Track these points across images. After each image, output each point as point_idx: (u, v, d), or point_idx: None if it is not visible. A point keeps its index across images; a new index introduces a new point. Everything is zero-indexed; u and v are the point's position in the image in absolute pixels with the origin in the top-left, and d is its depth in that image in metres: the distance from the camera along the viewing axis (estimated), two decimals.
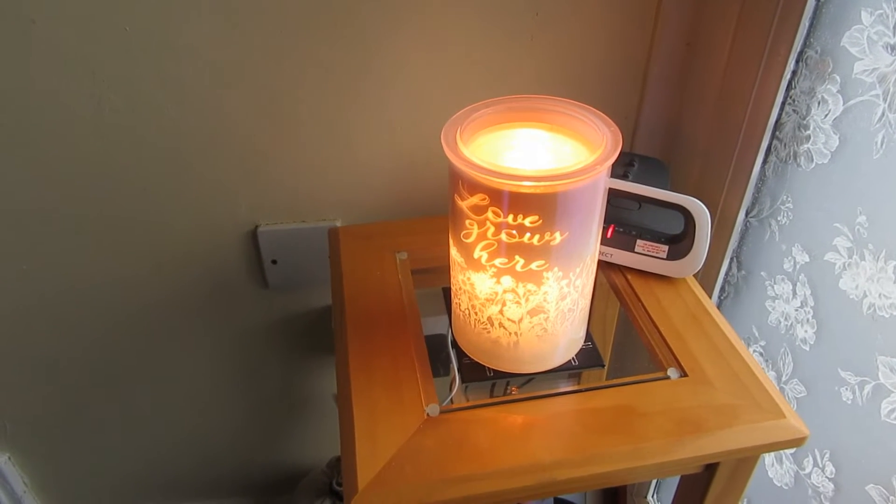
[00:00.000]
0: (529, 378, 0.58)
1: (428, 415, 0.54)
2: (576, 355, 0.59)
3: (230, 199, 0.79)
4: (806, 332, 0.67)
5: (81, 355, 0.89)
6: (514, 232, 0.48)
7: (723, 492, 0.59)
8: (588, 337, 0.60)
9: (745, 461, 0.56)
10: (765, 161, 0.70)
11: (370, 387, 0.56)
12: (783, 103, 0.66)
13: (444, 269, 0.69)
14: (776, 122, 0.68)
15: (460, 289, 0.55)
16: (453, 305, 0.59)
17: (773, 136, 0.69)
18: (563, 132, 0.53)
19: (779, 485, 0.75)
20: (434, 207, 0.83)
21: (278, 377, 0.99)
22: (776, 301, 0.72)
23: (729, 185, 0.74)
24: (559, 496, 0.96)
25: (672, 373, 0.57)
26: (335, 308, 0.66)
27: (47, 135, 0.71)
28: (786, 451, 0.72)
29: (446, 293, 0.67)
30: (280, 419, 1.05)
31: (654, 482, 1.03)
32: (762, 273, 0.73)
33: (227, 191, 0.78)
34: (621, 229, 0.67)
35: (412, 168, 0.80)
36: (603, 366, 0.58)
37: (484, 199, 0.47)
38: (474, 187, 0.47)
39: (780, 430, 0.53)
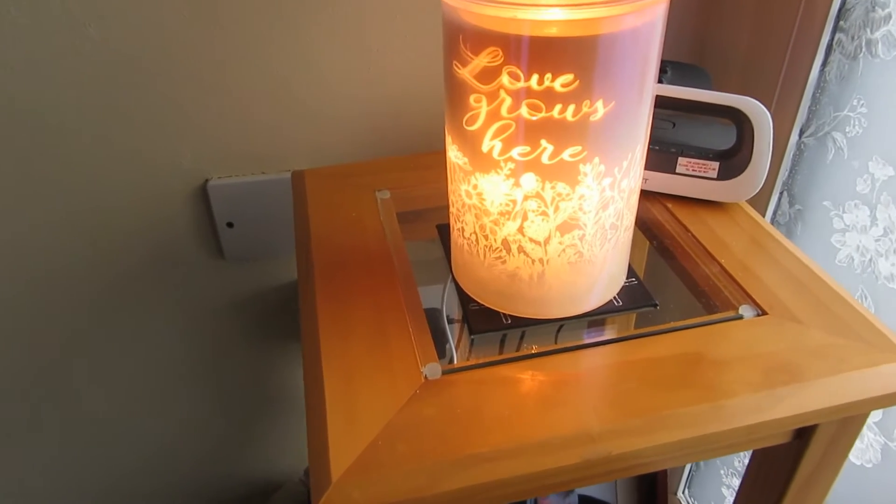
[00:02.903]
0: (559, 326, 0.44)
1: (426, 377, 0.39)
2: (618, 294, 0.45)
3: (168, 145, 0.64)
4: (894, 265, 0.54)
5: (1, 353, 0.74)
6: (538, 103, 0.34)
7: (817, 468, 0.45)
8: (630, 272, 0.46)
9: (849, 423, 0.43)
10: (825, 63, 0.57)
11: (346, 344, 0.41)
12: None
13: (436, 212, 0.55)
14: (840, 8, 0.55)
15: (463, 205, 0.41)
16: (454, 235, 0.45)
17: (836, 27, 0.56)
18: None
19: (858, 462, 0.61)
20: (420, 147, 0.69)
21: (243, 370, 0.83)
22: (847, 234, 0.58)
23: (779, 97, 0.61)
24: (586, 495, 0.81)
25: (746, 311, 0.43)
26: (299, 259, 0.51)
27: None
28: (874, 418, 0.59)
29: (442, 230, 0.53)
30: (247, 421, 0.89)
31: (686, 471, 0.89)
32: (825, 203, 0.60)
33: (165, 133, 0.64)
34: (656, 147, 0.54)
35: (394, 100, 0.66)
36: (656, 305, 0.44)
37: (495, 54, 0.33)
38: (481, 39, 0.33)
39: None
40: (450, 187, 0.42)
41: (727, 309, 0.44)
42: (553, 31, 0.32)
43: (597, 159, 0.36)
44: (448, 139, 0.40)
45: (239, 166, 0.68)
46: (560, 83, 0.33)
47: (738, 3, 0.63)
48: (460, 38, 0.34)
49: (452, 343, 0.44)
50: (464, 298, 0.45)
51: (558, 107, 0.34)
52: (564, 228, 0.38)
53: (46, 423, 0.81)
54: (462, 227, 0.42)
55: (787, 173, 0.64)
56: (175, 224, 0.70)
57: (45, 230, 0.66)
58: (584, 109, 0.34)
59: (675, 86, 0.52)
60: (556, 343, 0.42)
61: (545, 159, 0.36)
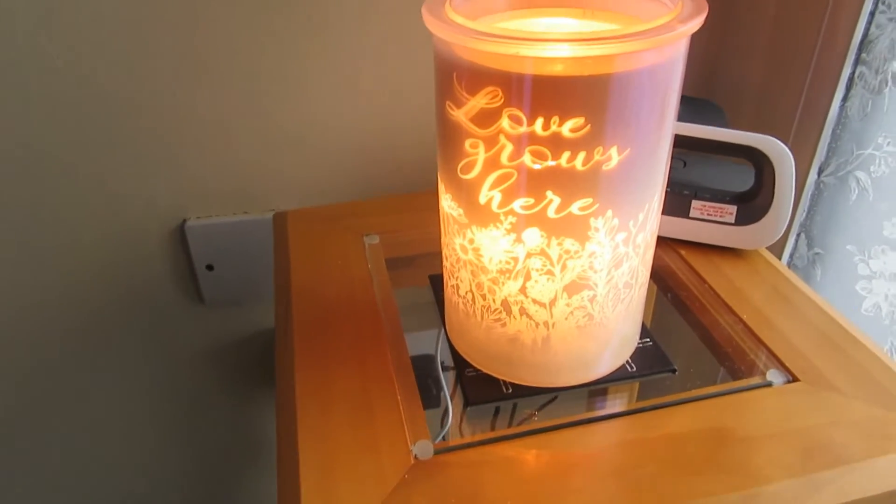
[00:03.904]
0: (552, 397, 0.39)
1: (416, 457, 0.34)
2: (631, 357, 0.40)
3: (142, 182, 0.60)
4: None
5: None
6: (544, 150, 0.30)
7: None
8: (645, 331, 0.42)
9: None
10: (845, 97, 0.54)
11: (326, 418, 0.37)
12: (872, 12, 0.50)
13: (428, 258, 0.51)
14: (862, 39, 0.51)
15: (458, 260, 0.36)
16: (447, 292, 0.40)
17: (858, 59, 0.52)
18: (605, 19, 0.35)
19: None
20: (412, 185, 0.65)
21: (220, 420, 0.78)
22: (874, 281, 0.54)
23: (796, 133, 0.57)
24: None
25: (775, 376, 0.39)
26: (278, 311, 0.47)
27: None
28: None
29: (435, 282, 0.48)
30: (223, 474, 0.83)
31: None
32: (849, 247, 0.56)
33: (138, 170, 0.59)
34: (667, 188, 0.50)
35: (385, 135, 0.62)
36: (674, 371, 0.40)
37: (494, 95, 0.29)
38: (478, 78, 0.29)
39: None
40: (443, 240, 0.38)
41: (753, 374, 0.39)
42: (560, 69, 0.28)
43: (610, 212, 0.32)
44: (441, 187, 0.36)
45: (219, 205, 0.63)
46: (568, 128, 0.29)
47: (752, 33, 0.59)
48: (454, 77, 0.30)
49: (449, 415, 0.39)
50: (459, 362, 0.40)
51: (566, 154, 0.29)
52: (573, 289, 0.34)
53: (10, 470, 0.75)
54: (457, 285, 0.38)
55: (804, 214, 0.59)
56: (150, 266, 0.65)
57: (8, 271, 0.62)
58: (596, 157, 0.30)
59: (688, 123, 0.48)
60: (563, 416, 0.37)
61: (551, 213, 0.31)
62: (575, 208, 0.31)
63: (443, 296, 0.42)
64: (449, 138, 0.32)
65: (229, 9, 0.53)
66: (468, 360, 0.40)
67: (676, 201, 0.49)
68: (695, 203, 0.49)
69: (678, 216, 0.49)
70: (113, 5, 0.51)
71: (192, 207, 0.63)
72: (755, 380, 0.39)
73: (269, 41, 0.55)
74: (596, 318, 0.35)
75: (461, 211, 0.34)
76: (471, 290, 0.36)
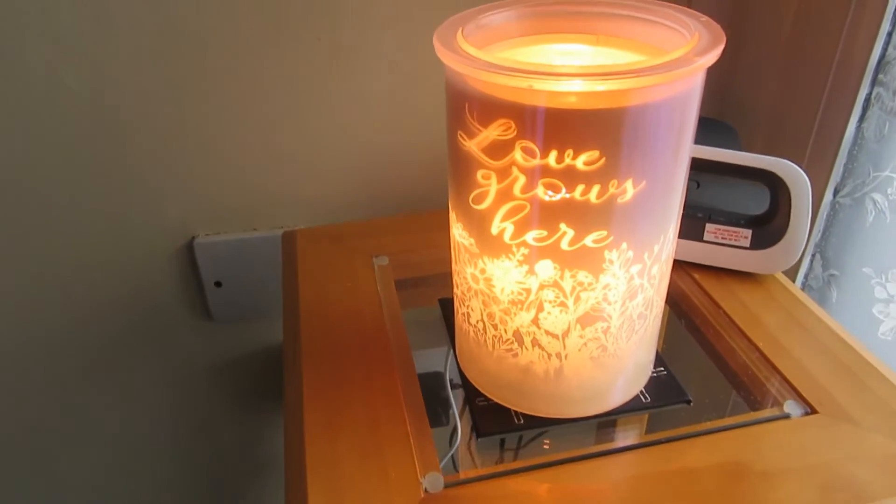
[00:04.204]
0: (579, 427, 0.38)
1: (426, 490, 0.34)
2: (645, 387, 0.39)
3: (152, 201, 0.60)
4: None
5: None
6: (557, 183, 0.29)
7: None
8: (659, 360, 0.41)
9: None
10: (862, 118, 0.53)
11: (334, 449, 0.36)
12: (890, 32, 0.49)
13: (438, 279, 0.51)
14: (879, 60, 0.50)
15: (469, 289, 0.36)
16: (458, 319, 0.40)
17: (875, 80, 0.51)
18: (618, 45, 0.35)
19: None
20: (422, 204, 0.64)
21: (229, 435, 0.77)
22: (892, 305, 0.53)
23: (811, 153, 0.56)
24: None
25: (792, 408, 0.38)
26: (286, 335, 0.46)
27: None
28: None
29: (445, 306, 0.47)
30: (232, 492, 0.83)
31: None
32: (865, 270, 0.55)
33: (148, 188, 0.59)
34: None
35: (393, 155, 0.62)
36: (689, 402, 0.39)
37: (507, 128, 0.29)
38: (491, 110, 0.29)
39: None
40: (454, 267, 0.37)
41: (770, 405, 0.39)
42: (574, 102, 0.27)
43: (624, 245, 0.31)
44: (452, 215, 0.35)
45: (227, 223, 0.63)
46: (583, 161, 0.28)
47: (766, 52, 0.59)
48: (466, 107, 0.30)
49: (457, 440, 0.39)
50: (469, 390, 0.40)
51: (581, 187, 0.29)
52: (586, 321, 0.33)
53: (23, 490, 0.75)
54: (468, 313, 0.37)
55: (819, 234, 0.59)
56: (159, 283, 0.65)
57: (17, 288, 0.62)
58: (611, 190, 0.29)
59: (702, 146, 0.47)
60: (576, 448, 0.36)
61: (565, 245, 0.31)
62: (589, 241, 0.30)
63: (453, 321, 0.41)
64: (460, 168, 0.32)
65: (238, 28, 0.53)
66: (478, 387, 0.39)
67: (690, 224, 0.48)
68: (709, 226, 0.48)
69: (692, 239, 0.48)
70: (123, 27, 0.51)
71: (200, 225, 0.63)
72: (772, 411, 0.38)
73: (278, 60, 0.55)
74: (610, 349, 0.35)
75: (472, 241, 0.34)
76: (482, 320, 0.36)
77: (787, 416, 0.38)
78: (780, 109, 0.58)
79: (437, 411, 0.48)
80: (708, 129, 0.55)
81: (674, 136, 0.30)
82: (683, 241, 0.49)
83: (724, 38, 0.29)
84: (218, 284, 0.65)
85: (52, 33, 0.51)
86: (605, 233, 0.30)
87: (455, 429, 0.45)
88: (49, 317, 0.64)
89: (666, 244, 0.33)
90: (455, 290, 0.38)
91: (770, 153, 0.60)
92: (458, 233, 0.35)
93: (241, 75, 0.55)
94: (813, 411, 0.38)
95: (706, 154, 0.47)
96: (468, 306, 0.37)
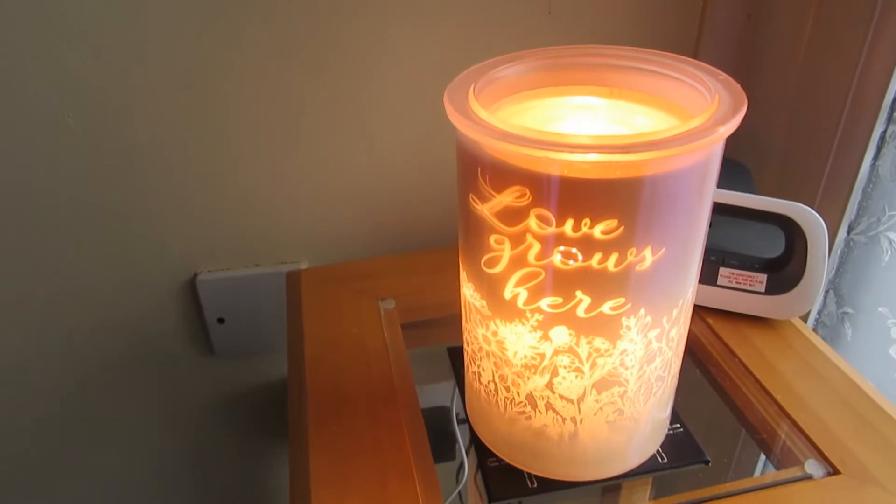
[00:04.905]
0: (594, 490, 0.37)
1: None
2: (662, 446, 0.38)
3: (154, 237, 0.59)
4: None
5: None
6: (574, 251, 0.28)
7: None
8: (675, 415, 0.40)
9: None
10: (877, 156, 0.52)
11: (341, 502, 0.35)
12: None
13: (446, 322, 0.50)
14: (894, 99, 0.49)
15: (480, 349, 0.35)
16: (468, 377, 0.38)
17: (890, 118, 0.50)
18: (633, 98, 0.34)
19: None
20: (429, 242, 0.63)
21: (231, 473, 0.76)
22: None
23: (823, 191, 0.55)
24: None
25: (814, 468, 0.37)
26: (291, 384, 0.45)
27: None
28: None
29: (454, 355, 0.46)
30: None
31: None
32: (881, 309, 0.54)
33: (150, 224, 0.58)
34: None
35: (399, 191, 0.61)
36: (707, 462, 0.38)
37: (522, 194, 0.28)
38: (504, 176, 0.28)
39: None
40: (464, 325, 0.36)
41: (790, 463, 0.37)
42: (590, 171, 0.26)
43: (643, 311, 0.30)
44: (463, 275, 0.34)
45: (230, 259, 0.62)
46: (600, 230, 0.27)
47: (778, 89, 0.58)
48: (478, 172, 0.29)
49: (464, 481, 0.38)
50: (480, 450, 0.38)
51: (598, 256, 0.28)
52: (602, 385, 0.32)
53: None
54: (479, 372, 0.36)
55: (833, 271, 0.57)
56: (162, 319, 0.64)
57: (19, 323, 0.61)
58: (630, 258, 0.28)
59: (716, 189, 0.46)
60: None
61: (580, 312, 0.30)
62: (606, 308, 0.29)
63: (462, 373, 0.40)
64: (472, 231, 0.31)
65: (240, 65, 0.52)
66: (489, 446, 0.38)
67: (704, 268, 0.47)
68: (723, 270, 0.47)
69: (706, 284, 0.47)
70: (123, 63, 0.51)
71: (203, 261, 0.62)
72: (794, 471, 0.37)
73: (282, 97, 0.54)
74: (626, 412, 0.33)
75: (484, 303, 0.32)
76: (493, 381, 0.35)
77: (808, 477, 0.36)
78: (794, 145, 0.57)
79: (443, 446, 0.47)
80: (720, 168, 0.54)
81: (694, 202, 0.29)
82: (697, 286, 0.48)
83: (746, 102, 0.28)
84: (220, 321, 0.64)
85: (54, 73, 0.50)
86: (622, 300, 0.29)
87: (462, 464, 0.44)
88: (51, 351, 0.63)
89: (685, 307, 0.32)
90: (465, 346, 0.37)
91: (783, 189, 0.59)
92: (470, 293, 0.34)
93: (245, 112, 0.55)
94: (836, 471, 0.36)
95: (720, 197, 0.46)
96: (479, 366, 0.36)
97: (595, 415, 0.33)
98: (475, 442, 0.39)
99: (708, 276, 0.47)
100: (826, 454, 0.37)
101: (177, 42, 0.50)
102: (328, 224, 0.62)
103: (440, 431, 0.49)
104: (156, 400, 0.69)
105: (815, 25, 0.53)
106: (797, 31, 0.55)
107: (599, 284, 0.29)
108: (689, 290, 0.32)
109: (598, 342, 0.30)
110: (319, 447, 0.39)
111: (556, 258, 0.28)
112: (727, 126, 0.26)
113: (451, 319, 0.43)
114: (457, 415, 0.46)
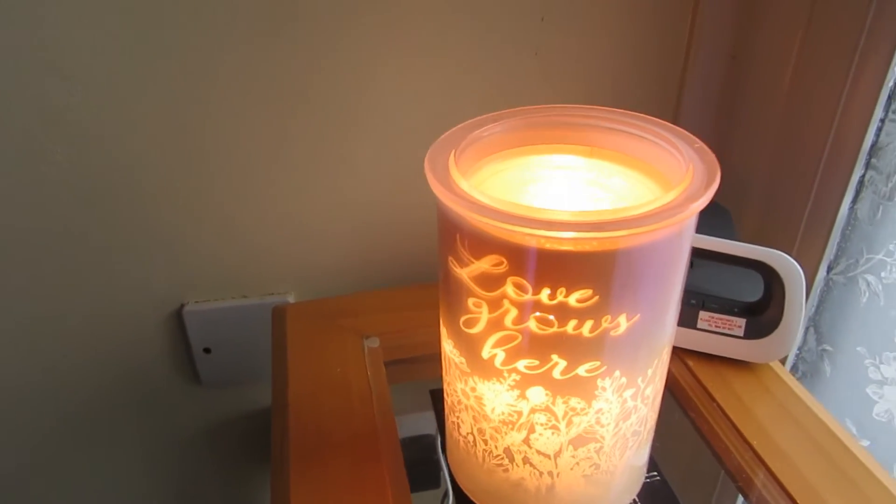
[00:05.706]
0: None
1: None
2: (639, 495, 0.38)
3: (140, 268, 0.59)
4: None
5: None
6: (550, 317, 0.29)
7: None
8: (652, 462, 0.41)
9: None
10: (855, 199, 0.53)
11: None
12: (883, 119, 0.49)
13: (431, 359, 0.50)
14: (872, 145, 0.50)
15: (459, 402, 0.35)
16: (449, 426, 0.39)
17: (868, 163, 0.51)
18: (611, 158, 0.34)
19: None
20: (417, 275, 0.64)
21: (217, 502, 0.76)
22: (885, 387, 0.53)
23: (804, 233, 0.56)
24: None
25: None
26: (275, 424, 0.46)
27: None
28: None
29: (436, 397, 0.47)
30: None
31: None
32: (859, 349, 0.55)
33: (136, 255, 0.58)
34: None
35: (388, 224, 0.62)
36: None
37: (499, 263, 0.28)
38: (482, 244, 0.28)
39: None
40: (444, 377, 0.37)
41: None
42: (569, 243, 0.27)
43: (618, 373, 0.31)
44: (443, 330, 0.35)
45: (217, 291, 0.62)
46: (575, 299, 0.28)
47: (758, 130, 0.59)
48: (457, 237, 0.29)
49: None
50: (460, 496, 0.39)
51: (573, 322, 0.29)
52: (579, 442, 0.33)
53: None
54: (458, 423, 0.36)
55: (813, 309, 0.58)
56: (148, 349, 0.64)
57: (4, 353, 0.61)
58: (604, 325, 0.29)
59: (696, 234, 0.47)
60: None
61: (556, 374, 0.30)
62: (581, 370, 0.30)
63: (444, 416, 0.41)
64: (452, 291, 0.32)
65: (225, 96, 0.53)
66: (468, 494, 0.39)
67: (684, 311, 0.48)
68: (702, 314, 0.48)
69: (686, 326, 0.48)
70: (110, 99, 0.51)
71: (189, 292, 0.62)
72: None
73: (267, 129, 0.55)
74: (602, 466, 0.34)
75: (463, 360, 0.33)
76: (472, 433, 0.35)
77: None
78: (775, 187, 0.58)
79: (428, 473, 0.48)
80: (701, 211, 0.54)
81: (668, 271, 0.29)
82: (677, 329, 0.48)
83: (719, 174, 0.29)
84: (207, 351, 0.65)
85: (39, 108, 0.50)
86: (598, 363, 0.30)
87: (447, 493, 0.45)
88: (36, 381, 0.63)
89: (660, 365, 0.33)
90: (446, 397, 0.38)
91: (765, 230, 0.60)
92: (449, 349, 0.34)
93: (232, 145, 0.55)
94: None
95: (700, 242, 0.46)
96: (458, 417, 0.36)
97: (572, 469, 0.34)
98: (455, 489, 0.39)
99: (688, 320, 0.48)
100: (797, 500, 0.38)
101: (160, 76, 0.51)
102: (315, 256, 0.62)
103: (425, 459, 0.49)
104: (142, 428, 0.69)
105: (797, 69, 0.54)
106: (779, 74, 0.56)
107: (574, 348, 0.29)
108: (664, 350, 0.32)
109: (574, 402, 0.31)
110: (300, 483, 0.39)
111: (533, 323, 0.29)
112: (699, 202, 0.27)
113: (436, 357, 0.44)
114: (441, 443, 0.47)
